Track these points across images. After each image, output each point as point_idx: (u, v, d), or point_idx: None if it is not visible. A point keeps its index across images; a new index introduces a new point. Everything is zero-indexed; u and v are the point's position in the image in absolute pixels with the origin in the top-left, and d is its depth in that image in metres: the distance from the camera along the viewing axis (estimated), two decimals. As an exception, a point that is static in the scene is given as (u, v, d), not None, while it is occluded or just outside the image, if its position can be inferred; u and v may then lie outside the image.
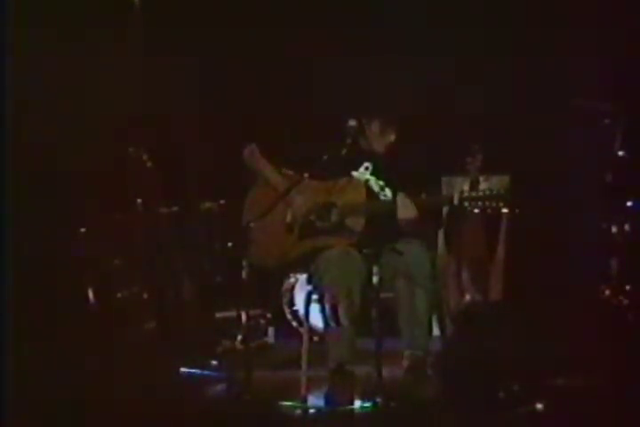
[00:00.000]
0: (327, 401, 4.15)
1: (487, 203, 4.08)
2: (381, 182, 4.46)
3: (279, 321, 5.78)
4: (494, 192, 4.09)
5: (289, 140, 4.56)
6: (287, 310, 5.76)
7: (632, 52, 5.39)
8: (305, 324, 4.56)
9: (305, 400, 4.25)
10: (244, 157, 4.52)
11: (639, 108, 5.07)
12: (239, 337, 5.29)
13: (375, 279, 3.88)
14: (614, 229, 4.92)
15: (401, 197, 4.23)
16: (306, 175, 4.15)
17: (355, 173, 4.45)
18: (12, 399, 3.84)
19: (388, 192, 4.45)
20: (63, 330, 4.98)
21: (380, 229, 4.27)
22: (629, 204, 4.95)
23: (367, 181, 4.45)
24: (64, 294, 5.22)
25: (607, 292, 4.86)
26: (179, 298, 5.51)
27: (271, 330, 5.78)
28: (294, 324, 5.72)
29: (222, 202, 5.63)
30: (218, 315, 5.54)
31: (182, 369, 4.91)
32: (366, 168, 4.47)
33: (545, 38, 5.65)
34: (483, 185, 4.13)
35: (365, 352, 4.09)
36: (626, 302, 4.79)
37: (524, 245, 5.59)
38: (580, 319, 4.69)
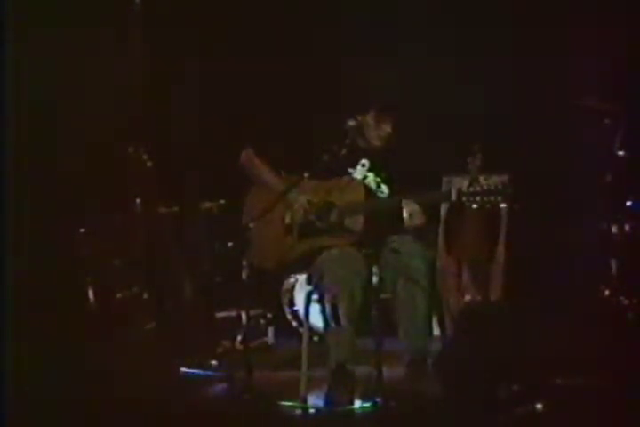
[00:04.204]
0: (327, 401, 4.15)
1: (485, 198, 4.06)
2: (378, 179, 4.46)
3: (279, 321, 5.78)
4: (492, 187, 4.07)
5: (287, 141, 4.56)
6: (287, 310, 5.76)
7: (632, 52, 5.39)
8: (305, 324, 4.56)
9: (305, 400, 4.24)
10: (241, 162, 4.52)
11: (639, 108, 5.07)
12: (239, 337, 5.28)
13: (375, 279, 3.88)
14: (614, 229, 4.92)
15: (408, 205, 4.20)
16: (306, 175, 4.15)
17: (352, 171, 4.45)
18: (12, 399, 3.84)
19: (384, 188, 4.45)
20: (63, 330, 4.98)
21: (380, 229, 4.27)
22: (629, 204, 4.95)
23: (365, 178, 4.45)
24: (64, 294, 5.22)
25: (607, 292, 4.86)
26: (179, 298, 5.51)
27: (271, 330, 5.78)
28: (294, 324, 5.72)
29: (222, 202, 5.63)
30: (218, 315, 5.54)
31: (182, 369, 4.91)
32: (363, 165, 4.47)
33: (545, 38, 5.65)
34: (482, 182, 4.12)
35: (365, 352, 4.09)
36: (626, 302, 4.79)
37: (524, 245, 5.59)
38: (580, 319, 4.69)
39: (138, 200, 5.31)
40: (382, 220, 4.27)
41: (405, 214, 4.18)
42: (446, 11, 5.77)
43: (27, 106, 5.01)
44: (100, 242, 5.38)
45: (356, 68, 5.62)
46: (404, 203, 4.20)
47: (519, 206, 5.19)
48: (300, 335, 5.05)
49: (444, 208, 5.47)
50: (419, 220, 4.20)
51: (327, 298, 4.15)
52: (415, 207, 4.18)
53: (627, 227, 4.90)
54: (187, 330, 5.39)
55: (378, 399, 3.82)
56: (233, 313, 5.25)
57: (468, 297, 5.54)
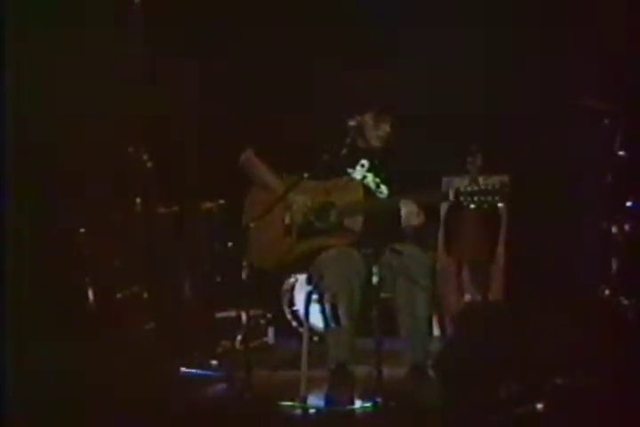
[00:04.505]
0: (327, 401, 4.15)
1: (483, 198, 4.06)
2: (377, 179, 4.46)
3: (279, 321, 5.78)
4: (490, 187, 4.07)
5: (287, 141, 4.56)
6: (287, 310, 5.76)
7: (632, 52, 5.39)
8: (305, 324, 4.56)
9: (305, 400, 4.24)
10: (241, 163, 4.52)
11: (639, 108, 5.07)
12: (239, 337, 5.29)
13: (375, 279, 3.88)
14: (614, 229, 4.92)
15: (406, 204, 4.21)
16: (306, 175, 4.15)
17: (351, 171, 4.45)
18: (12, 399, 3.84)
19: (384, 189, 4.45)
20: (63, 330, 4.98)
21: (380, 229, 4.27)
22: (629, 204, 4.95)
23: (364, 178, 4.45)
24: (64, 294, 5.22)
25: (607, 292, 4.86)
26: (179, 298, 5.51)
27: (271, 330, 5.78)
28: (294, 324, 5.72)
29: (222, 202, 5.63)
30: (218, 315, 5.54)
31: (182, 369, 4.91)
32: (362, 166, 4.47)
33: (545, 38, 5.65)
34: (479, 182, 4.12)
35: (365, 352, 4.08)
36: (626, 302, 4.79)
37: (524, 245, 5.59)
38: (579, 319, 4.69)
39: (138, 200, 5.31)
40: (382, 220, 4.27)
41: (403, 214, 4.18)
42: (446, 10, 5.77)
43: (26, 106, 5.01)
44: (100, 242, 5.38)
45: (355, 68, 5.61)
46: (401, 203, 4.20)
47: (519, 206, 5.19)
48: (300, 335, 5.06)
49: (443, 209, 5.47)
50: (416, 220, 4.19)
51: (327, 298, 4.15)
52: (413, 207, 4.19)
53: (627, 227, 4.91)
54: (187, 330, 5.39)
55: (378, 399, 3.82)
56: (233, 313, 5.26)
57: (467, 297, 5.54)
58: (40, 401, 4.02)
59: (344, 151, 4.23)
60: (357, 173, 4.45)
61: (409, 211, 4.18)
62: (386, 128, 4.42)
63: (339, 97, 4.74)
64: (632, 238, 4.90)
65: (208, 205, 5.63)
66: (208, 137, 5.97)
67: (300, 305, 5.62)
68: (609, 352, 4.18)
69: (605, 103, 4.97)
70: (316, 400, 4.23)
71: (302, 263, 4.37)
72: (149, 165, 5.35)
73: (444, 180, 5.15)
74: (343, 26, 5.89)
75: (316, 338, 5.09)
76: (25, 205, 4.92)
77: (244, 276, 4.13)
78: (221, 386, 4.65)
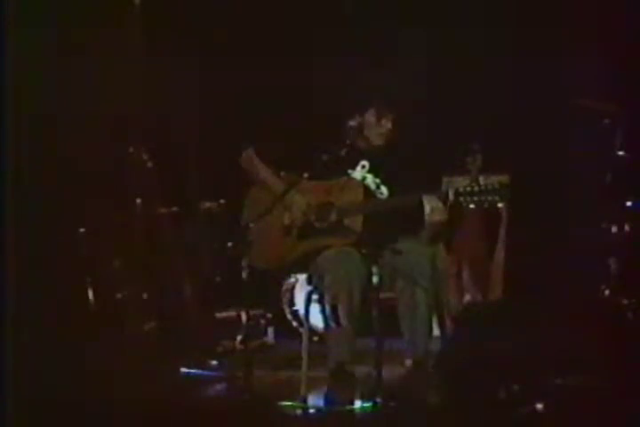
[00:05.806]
0: (327, 401, 4.15)
1: (482, 198, 4.05)
2: (378, 180, 4.45)
3: (279, 321, 5.78)
4: (489, 187, 4.07)
5: (287, 141, 4.56)
6: (287, 310, 5.77)
7: (632, 52, 5.39)
8: (305, 324, 4.56)
9: (305, 400, 4.24)
10: (242, 162, 4.52)
11: (639, 108, 5.07)
12: (239, 337, 5.29)
13: (375, 279, 3.88)
14: (614, 229, 4.92)
15: (430, 200, 4.16)
16: (305, 175, 4.14)
17: (351, 172, 4.44)
18: (12, 399, 3.84)
19: (384, 190, 4.45)
20: (63, 330, 4.98)
21: (380, 229, 4.26)
22: (629, 204, 4.95)
23: (364, 179, 4.44)
24: (64, 294, 5.22)
25: (607, 292, 4.86)
26: (179, 298, 5.51)
27: (271, 330, 5.78)
28: (294, 324, 5.73)
29: (222, 202, 5.63)
30: (218, 315, 5.54)
31: (182, 369, 4.91)
32: (363, 166, 4.47)
33: (545, 38, 5.66)
34: (479, 182, 4.12)
35: (365, 352, 4.09)
36: (626, 302, 4.79)
37: (523, 244, 5.60)
38: (580, 319, 4.69)
39: (138, 200, 5.31)
40: (382, 220, 4.27)
41: (427, 210, 4.14)
42: (447, 10, 5.77)
43: (26, 106, 5.01)
44: (100, 242, 5.38)
45: (355, 68, 5.62)
46: (425, 199, 4.13)
47: (519, 206, 5.19)
48: (300, 335, 5.06)
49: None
50: (440, 215, 4.16)
51: (327, 298, 4.15)
52: (437, 203, 4.13)
53: (627, 227, 4.91)
54: (187, 330, 5.39)
55: (378, 399, 3.82)
56: (233, 313, 5.26)
57: (467, 297, 5.54)
58: (40, 401, 4.02)
59: (344, 152, 4.22)
60: (357, 173, 4.45)
61: (433, 206, 4.14)
62: (387, 125, 4.41)
63: (339, 97, 4.74)
64: (632, 238, 4.91)
65: (208, 205, 5.63)
66: (208, 137, 5.97)
67: (300, 305, 5.62)
68: (609, 352, 4.18)
69: (605, 103, 4.97)
70: (316, 400, 4.23)
71: (302, 263, 4.37)
72: (149, 165, 5.35)
73: (444, 180, 5.15)
74: (343, 26, 5.89)
75: (315, 338, 5.09)
76: (25, 205, 4.91)
77: (244, 276, 4.13)
78: (221, 386, 4.65)
